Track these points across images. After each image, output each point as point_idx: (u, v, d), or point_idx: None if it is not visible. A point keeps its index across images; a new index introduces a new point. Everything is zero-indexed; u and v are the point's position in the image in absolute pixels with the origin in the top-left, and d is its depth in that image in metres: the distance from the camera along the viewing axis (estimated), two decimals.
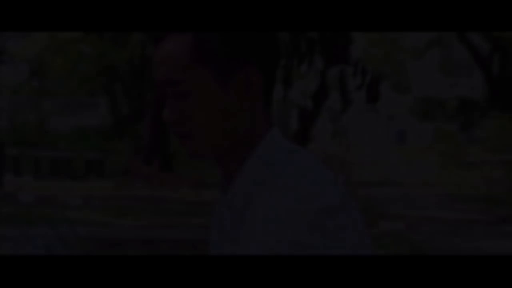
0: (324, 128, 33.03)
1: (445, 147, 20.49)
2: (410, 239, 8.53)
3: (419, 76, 35.33)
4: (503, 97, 22.71)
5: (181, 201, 12.86)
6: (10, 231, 9.02)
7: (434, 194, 14.29)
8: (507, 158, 18.18)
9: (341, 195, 1.39)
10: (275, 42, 1.50)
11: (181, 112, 1.44)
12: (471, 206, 12.49)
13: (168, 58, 1.44)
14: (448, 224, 10.42)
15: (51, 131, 26.14)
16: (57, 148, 19.32)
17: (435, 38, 26.00)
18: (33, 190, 13.69)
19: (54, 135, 25.38)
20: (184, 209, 11.60)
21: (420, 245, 8.27)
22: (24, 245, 8.27)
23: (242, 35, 1.44)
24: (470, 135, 26.26)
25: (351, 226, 1.39)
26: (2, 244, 8.30)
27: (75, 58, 20.86)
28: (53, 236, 8.15)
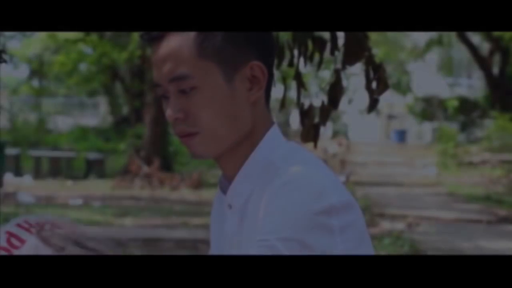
0: (324, 128, 32.92)
1: (445, 147, 20.48)
2: (410, 239, 8.53)
3: (419, 76, 35.32)
4: (503, 97, 22.71)
5: (181, 201, 12.85)
6: None
7: (434, 194, 14.29)
8: (507, 158, 18.18)
9: (343, 194, 1.39)
10: (272, 38, 1.51)
11: (186, 110, 1.44)
12: (471, 206, 12.49)
13: (173, 55, 1.43)
14: (448, 224, 10.42)
15: (51, 131, 26.13)
16: (57, 148, 19.32)
17: (435, 38, 25.99)
18: (33, 190, 13.68)
19: (54, 135, 25.38)
20: (184, 209, 11.59)
21: (420, 245, 8.27)
22: None
23: (243, 32, 1.44)
24: (470, 135, 26.26)
25: (353, 226, 1.39)
26: None
27: (75, 58, 20.84)
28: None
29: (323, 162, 1.47)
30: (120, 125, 26.07)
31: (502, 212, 11.60)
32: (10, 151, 16.72)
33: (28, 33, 22.28)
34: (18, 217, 1.49)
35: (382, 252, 7.63)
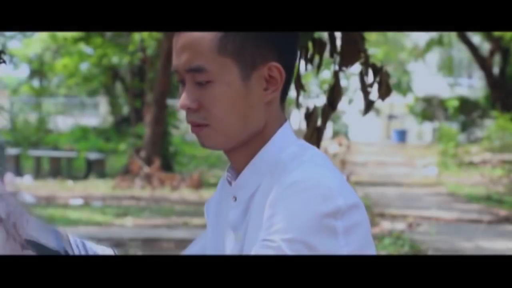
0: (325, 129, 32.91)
1: (446, 147, 20.47)
2: (410, 239, 8.53)
3: (419, 76, 35.32)
4: (504, 97, 22.70)
5: (181, 201, 12.85)
6: None
7: (435, 194, 14.29)
8: (507, 158, 18.18)
9: (350, 196, 1.39)
10: (296, 39, 1.50)
11: (200, 100, 1.44)
12: (472, 206, 12.49)
13: (193, 46, 1.43)
14: (449, 224, 10.42)
15: (51, 131, 26.13)
16: (57, 148, 19.32)
17: (436, 38, 25.98)
18: (33, 190, 13.68)
19: (55, 135, 25.38)
20: (185, 209, 11.59)
21: (420, 245, 8.27)
22: None
23: (266, 32, 1.44)
24: (471, 135, 26.26)
25: (358, 227, 1.39)
26: None
27: (76, 58, 20.86)
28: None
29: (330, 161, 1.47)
30: (121, 125, 26.07)
31: (503, 212, 11.60)
32: (10, 151, 16.72)
33: (28, 33, 22.28)
34: None
35: (383, 252, 7.62)
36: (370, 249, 1.42)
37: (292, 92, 3.26)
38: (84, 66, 22.48)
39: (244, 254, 1.45)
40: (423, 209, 11.76)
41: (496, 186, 15.37)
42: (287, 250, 1.32)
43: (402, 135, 35.33)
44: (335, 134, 30.78)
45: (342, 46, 2.93)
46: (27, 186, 14.50)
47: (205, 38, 1.41)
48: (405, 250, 7.89)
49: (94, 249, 1.52)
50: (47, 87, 29.84)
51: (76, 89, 29.53)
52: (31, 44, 22.88)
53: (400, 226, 9.75)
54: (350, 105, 31.84)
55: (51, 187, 14.69)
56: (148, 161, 15.59)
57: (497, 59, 24.05)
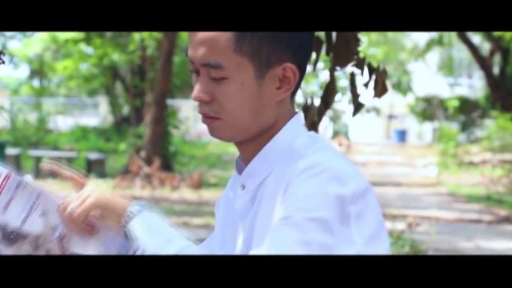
0: (324, 128, 33.00)
1: (446, 147, 20.47)
2: (410, 239, 8.52)
3: (419, 76, 35.33)
4: (504, 97, 22.70)
5: (181, 201, 12.86)
6: None
7: (435, 194, 14.29)
8: (507, 158, 18.17)
9: (362, 180, 1.42)
10: (311, 40, 1.52)
11: (212, 94, 1.46)
12: (472, 206, 12.49)
13: (210, 41, 1.44)
14: (449, 224, 10.42)
15: (51, 131, 26.14)
16: (57, 148, 19.32)
17: (436, 38, 25.99)
18: None
19: (55, 135, 25.38)
20: (185, 209, 11.59)
21: (420, 245, 8.27)
22: None
23: (283, 33, 1.45)
24: (471, 135, 26.26)
25: (369, 211, 1.42)
26: None
27: (76, 58, 20.86)
28: None
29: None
30: (121, 125, 26.08)
31: (503, 212, 11.60)
32: (10, 151, 16.72)
33: (28, 33, 22.28)
34: None
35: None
36: (383, 232, 1.44)
37: None
38: (84, 66, 22.48)
39: (250, 244, 1.46)
40: (423, 209, 11.76)
41: (496, 186, 15.37)
42: (307, 227, 1.33)
43: (402, 135, 35.34)
44: (335, 134, 30.78)
45: (335, 46, 2.95)
46: None
47: (223, 36, 1.43)
48: (405, 250, 7.89)
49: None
50: (47, 87, 29.85)
51: (76, 89, 29.55)
52: (31, 44, 22.88)
53: (400, 226, 9.74)
54: (350, 105, 31.80)
55: (51, 187, 14.67)
56: (148, 161, 15.59)
57: (497, 59, 24.04)
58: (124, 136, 22.16)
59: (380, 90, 3.00)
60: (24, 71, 45.70)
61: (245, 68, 1.43)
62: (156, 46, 17.20)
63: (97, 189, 1.54)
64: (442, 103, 28.34)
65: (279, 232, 1.35)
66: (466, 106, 26.55)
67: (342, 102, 27.69)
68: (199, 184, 14.70)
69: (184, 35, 16.17)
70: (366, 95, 3.10)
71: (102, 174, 16.67)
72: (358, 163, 21.62)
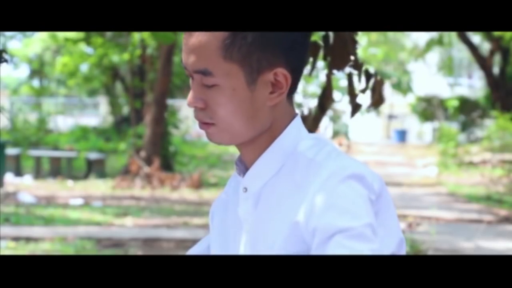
0: (324, 127, 33.00)
1: (446, 147, 20.47)
2: (410, 239, 8.52)
3: (419, 76, 35.32)
4: (504, 97, 22.70)
5: (181, 201, 12.85)
6: (10, 231, 9.02)
7: (435, 194, 14.29)
8: (507, 158, 18.17)
9: (377, 178, 1.43)
10: (305, 41, 1.51)
11: (205, 101, 1.47)
12: (472, 206, 12.49)
13: (200, 49, 1.45)
14: (449, 224, 10.42)
15: (51, 131, 26.13)
16: (57, 148, 19.32)
17: (436, 38, 25.98)
18: (33, 190, 13.68)
19: (55, 135, 25.38)
20: (185, 209, 11.59)
21: (420, 245, 8.26)
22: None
23: (273, 37, 1.45)
24: (471, 135, 26.25)
25: (386, 209, 1.44)
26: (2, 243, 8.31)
27: (76, 58, 20.86)
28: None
29: None
30: (121, 125, 26.07)
31: (503, 212, 11.60)
32: (10, 151, 16.72)
33: (28, 33, 22.28)
34: None
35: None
36: (396, 230, 1.46)
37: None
38: (84, 66, 22.48)
39: (255, 246, 1.46)
40: (423, 209, 11.76)
41: (496, 186, 15.37)
42: (367, 234, 1.33)
43: (402, 135, 35.35)
44: (335, 134, 30.78)
45: (332, 48, 2.94)
46: (27, 186, 14.51)
47: (212, 44, 1.43)
48: (405, 250, 7.88)
49: None
50: (47, 87, 29.84)
51: (76, 89, 29.54)
52: (31, 44, 22.89)
53: (400, 226, 9.74)
54: (350, 105, 31.79)
55: (51, 187, 14.69)
56: (148, 161, 15.59)
57: (497, 59, 24.03)
58: (124, 136, 22.15)
59: (376, 100, 2.99)
60: (24, 71, 45.71)
61: (236, 75, 1.43)
62: (156, 46, 17.20)
63: None
64: (442, 103, 28.34)
65: (348, 247, 1.32)
66: (466, 106, 26.54)
67: (342, 102, 27.67)
68: (199, 184, 14.69)
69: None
70: (364, 97, 3.09)
71: (102, 174, 16.67)
72: None
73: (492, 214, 11.35)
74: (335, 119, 31.54)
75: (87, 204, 12.00)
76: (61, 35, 18.53)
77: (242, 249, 1.49)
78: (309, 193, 1.38)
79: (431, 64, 34.17)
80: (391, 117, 38.52)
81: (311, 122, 2.99)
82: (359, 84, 3.04)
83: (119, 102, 26.96)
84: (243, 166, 1.52)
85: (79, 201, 12.24)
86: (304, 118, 3.01)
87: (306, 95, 27.96)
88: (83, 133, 25.26)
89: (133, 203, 12.39)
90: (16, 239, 8.55)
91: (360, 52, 3.03)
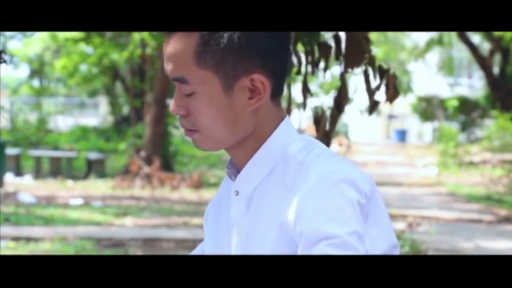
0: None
1: (446, 147, 20.47)
2: (410, 239, 8.53)
3: (419, 76, 35.32)
4: (504, 97, 22.70)
5: (181, 201, 12.85)
6: (10, 231, 9.03)
7: (435, 194, 14.29)
8: (507, 158, 18.17)
9: (367, 179, 1.42)
10: (284, 45, 1.50)
11: (187, 108, 1.47)
12: (472, 206, 12.49)
13: (175, 57, 1.46)
14: (449, 224, 10.42)
15: (51, 131, 26.13)
16: (57, 148, 19.32)
17: (436, 38, 25.98)
18: (33, 190, 13.68)
19: (55, 135, 25.37)
20: (185, 209, 11.59)
21: (420, 245, 8.27)
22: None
23: (247, 42, 1.43)
24: (471, 135, 26.25)
25: (376, 210, 1.43)
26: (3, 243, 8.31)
27: (76, 58, 20.85)
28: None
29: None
30: (121, 125, 26.07)
31: (503, 212, 11.60)
32: (10, 151, 16.72)
33: (28, 33, 22.28)
34: None
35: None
36: (388, 231, 1.45)
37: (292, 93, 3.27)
38: (84, 66, 22.47)
39: (247, 249, 1.46)
40: (423, 209, 11.76)
41: (496, 186, 15.37)
42: (353, 242, 1.32)
43: (402, 135, 35.35)
44: (335, 134, 30.77)
45: (346, 47, 2.94)
46: (27, 186, 14.51)
47: (186, 51, 1.43)
48: (405, 250, 7.89)
49: None
50: (47, 87, 29.84)
51: (76, 89, 29.54)
52: (31, 44, 22.89)
53: (400, 226, 9.74)
54: (350, 105, 31.84)
55: (51, 187, 14.69)
56: (148, 161, 15.59)
57: (497, 59, 24.03)
58: (124, 136, 22.15)
59: (392, 94, 2.98)
60: (24, 71, 45.70)
61: (211, 82, 1.43)
62: (156, 46, 17.20)
63: None
64: (442, 103, 28.34)
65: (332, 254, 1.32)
66: (466, 106, 26.54)
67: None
68: (199, 184, 14.69)
69: None
70: (379, 93, 3.09)
71: (102, 174, 16.67)
72: (358, 163, 21.62)
73: (492, 214, 11.35)
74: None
75: (87, 204, 12.00)
76: (61, 35, 18.52)
77: (234, 252, 1.49)
78: (299, 196, 1.38)
79: (431, 64, 34.17)
80: (391, 117, 38.53)
81: (329, 123, 2.98)
82: (374, 80, 3.04)
83: (119, 102, 26.95)
84: (234, 169, 1.52)
85: (79, 201, 12.24)
86: (318, 119, 3.01)
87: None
88: (83, 133, 25.26)
89: (133, 203, 12.39)
90: (16, 239, 8.55)
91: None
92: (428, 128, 33.54)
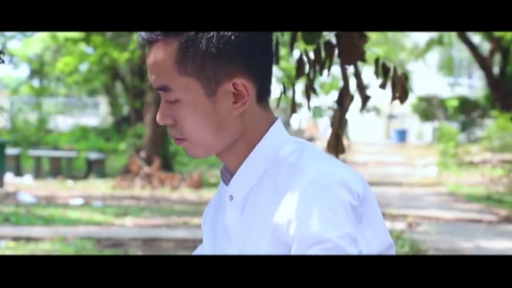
0: (324, 127, 33.03)
1: (446, 147, 20.47)
2: (410, 239, 8.53)
3: (419, 76, 35.31)
4: (503, 97, 22.70)
5: (181, 201, 12.85)
6: (10, 231, 9.03)
7: (435, 194, 14.29)
8: (507, 157, 18.17)
9: (360, 180, 1.42)
10: (265, 48, 1.49)
11: (173, 116, 1.48)
12: (472, 206, 12.49)
13: (157, 66, 1.47)
14: (449, 224, 10.42)
15: (51, 131, 26.12)
16: (57, 148, 19.32)
17: (436, 38, 25.98)
18: (33, 190, 13.68)
19: (55, 135, 25.37)
20: (185, 209, 11.59)
21: (420, 245, 8.27)
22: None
23: (226, 47, 1.43)
24: (471, 135, 26.26)
25: (371, 211, 1.43)
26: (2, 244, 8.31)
27: (76, 58, 20.84)
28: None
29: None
30: (121, 125, 26.06)
31: (503, 212, 11.60)
32: (10, 151, 16.72)
33: (28, 33, 22.27)
34: None
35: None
36: (383, 232, 1.45)
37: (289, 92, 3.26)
38: (84, 66, 22.47)
39: (243, 252, 1.46)
40: (423, 209, 11.76)
41: (496, 186, 15.37)
42: (344, 245, 1.33)
43: (402, 135, 35.35)
44: None
45: (341, 43, 2.93)
46: (27, 186, 14.51)
47: (166, 60, 1.43)
48: (405, 250, 7.89)
49: None
50: (47, 87, 29.83)
51: (76, 89, 29.53)
52: (31, 44, 22.86)
53: (400, 226, 9.75)
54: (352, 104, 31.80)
55: (51, 187, 14.69)
56: (148, 161, 15.59)
57: (497, 59, 24.03)
58: (124, 136, 22.15)
59: (401, 96, 2.96)
60: (24, 71, 45.69)
61: (194, 88, 1.43)
62: None
63: None
64: (442, 103, 28.34)
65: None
66: (466, 106, 26.55)
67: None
68: (199, 184, 14.69)
69: None
70: (371, 89, 3.08)
71: (102, 174, 16.67)
72: (358, 163, 21.63)
73: (492, 214, 11.34)
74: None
75: (87, 204, 12.00)
76: (61, 35, 18.52)
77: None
78: (291, 199, 1.38)
79: (431, 64, 34.17)
80: (391, 117, 38.52)
81: (337, 123, 2.97)
82: (377, 79, 3.02)
83: (119, 102, 26.94)
84: (228, 174, 1.53)
85: (79, 201, 12.24)
86: (332, 122, 3.01)
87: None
88: (83, 133, 25.25)
89: (133, 203, 12.39)
90: (16, 239, 8.55)
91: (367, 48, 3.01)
92: (428, 128, 33.55)
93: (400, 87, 2.92)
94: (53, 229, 9.23)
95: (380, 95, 3.13)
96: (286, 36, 3.09)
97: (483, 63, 22.89)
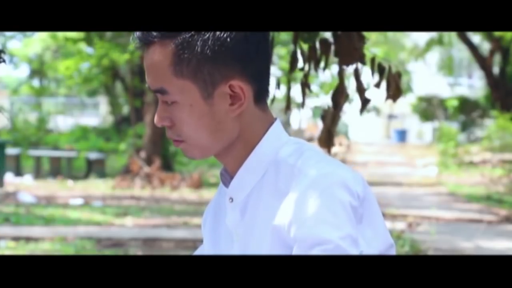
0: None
1: (446, 147, 20.47)
2: (410, 239, 8.53)
3: (419, 76, 35.31)
4: (503, 97, 22.70)
5: (181, 201, 12.85)
6: (10, 231, 9.03)
7: (435, 194, 14.29)
8: (507, 157, 18.17)
9: (359, 180, 1.42)
10: (262, 49, 1.49)
11: (170, 119, 1.48)
12: (472, 206, 12.49)
13: (153, 69, 1.47)
14: (449, 224, 10.42)
15: (51, 131, 26.12)
16: (57, 148, 19.32)
17: (436, 38, 25.98)
18: (33, 190, 13.68)
19: (55, 135, 25.37)
20: (185, 209, 11.59)
21: (420, 245, 8.27)
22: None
23: (222, 49, 1.43)
24: (471, 135, 26.25)
25: (371, 212, 1.43)
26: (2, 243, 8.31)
27: (76, 58, 20.84)
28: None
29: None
30: (121, 124, 26.06)
31: (503, 212, 11.60)
32: (10, 151, 16.71)
33: (28, 33, 22.27)
34: None
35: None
36: (383, 232, 1.45)
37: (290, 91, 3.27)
38: (85, 66, 22.47)
39: (244, 254, 1.46)
40: (423, 209, 11.75)
41: (496, 186, 15.37)
42: (345, 246, 1.33)
43: (402, 135, 35.35)
44: (335, 134, 30.75)
45: (339, 43, 2.94)
46: (27, 186, 14.51)
47: (162, 62, 1.43)
48: (405, 250, 7.89)
49: None
50: (47, 87, 29.83)
51: (76, 89, 29.53)
52: (31, 44, 22.87)
53: (400, 226, 9.75)
54: (350, 104, 31.84)
55: (51, 187, 14.69)
56: (148, 161, 15.59)
57: (497, 59, 24.03)
58: (124, 136, 22.15)
59: (394, 93, 2.97)
60: (24, 71, 45.71)
61: (190, 91, 1.43)
62: None
63: None
64: (442, 103, 28.34)
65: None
66: (466, 106, 26.55)
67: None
68: (199, 184, 14.69)
69: None
70: (371, 91, 3.08)
71: (102, 174, 16.67)
72: (358, 163, 21.63)
73: (492, 214, 11.34)
74: None
75: (87, 204, 12.00)
76: (61, 35, 18.52)
77: None
78: (291, 201, 1.38)
79: (431, 64, 34.16)
80: (391, 117, 38.53)
81: (329, 121, 2.98)
82: (372, 78, 3.03)
83: (119, 102, 26.94)
84: (228, 175, 1.52)
85: (79, 201, 12.23)
86: (324, 118, 3.01)
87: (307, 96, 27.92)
88: (83, 133, 25.25)
89: (133, 203, 12.39)
90: (16, 239, 8.55)
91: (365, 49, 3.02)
92: (428, 128, 33.54)
93: (394, 86, 2.93)
94: (53, 229, 9.23)
95: (380, 95, 3.13)
96: (283, 35, 3.11)
97: (483, 63, 22.88)
